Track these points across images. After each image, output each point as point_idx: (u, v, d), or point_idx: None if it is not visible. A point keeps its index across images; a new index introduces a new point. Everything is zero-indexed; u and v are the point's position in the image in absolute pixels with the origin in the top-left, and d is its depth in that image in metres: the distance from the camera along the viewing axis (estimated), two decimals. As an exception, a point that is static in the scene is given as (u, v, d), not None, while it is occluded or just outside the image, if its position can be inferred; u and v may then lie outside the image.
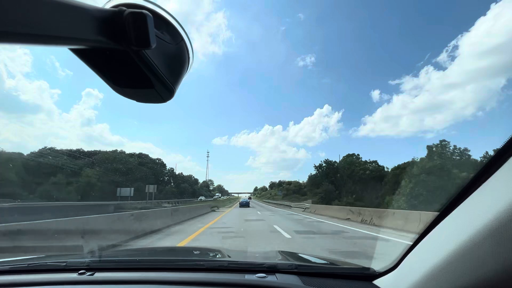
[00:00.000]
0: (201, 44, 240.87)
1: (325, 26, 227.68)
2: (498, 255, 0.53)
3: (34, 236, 4.91)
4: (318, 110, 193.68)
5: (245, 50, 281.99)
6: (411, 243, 0.88)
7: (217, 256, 1.77)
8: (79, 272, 1.23)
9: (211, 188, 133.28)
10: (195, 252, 2.06)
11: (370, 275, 1.15)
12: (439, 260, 0.67)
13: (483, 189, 0.61)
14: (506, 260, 0.52)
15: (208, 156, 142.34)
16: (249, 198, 79.42)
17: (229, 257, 1.69)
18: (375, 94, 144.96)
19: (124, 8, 0.34)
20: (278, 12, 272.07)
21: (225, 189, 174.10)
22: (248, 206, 34.36)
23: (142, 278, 1.21)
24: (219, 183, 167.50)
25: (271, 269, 1.25)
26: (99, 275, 1.22)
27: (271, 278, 1.17)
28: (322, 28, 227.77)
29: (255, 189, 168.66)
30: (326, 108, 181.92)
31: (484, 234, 0.54)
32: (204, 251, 2.14)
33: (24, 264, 1.34)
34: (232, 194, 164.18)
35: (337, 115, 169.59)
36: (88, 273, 1.22)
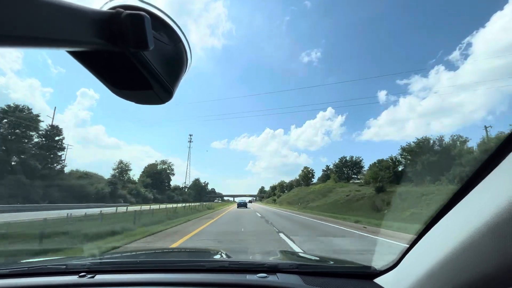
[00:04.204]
0: (199, 37, 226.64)
1: (333, 17, 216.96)
2: (498, 252, 0.53)
3: None
4: (321, 113, 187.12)
5: (246, 43, 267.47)
6: (411, 242, 0.88)
7: (218, 256, 1.77)
8: (80, 274, 1.22)
9: (186, 184, 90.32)
10: (196, 253, 2.06)
11: (371, 274, 1.16)
12: (439, 257, 0.67)
13: (482, 187, 0.61)
14: (505, 256, 0.52)
15: (190, 141, 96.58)
16: (250, 201, 74.51)
17: (230, 257, 1.69)
18: (382, 94, 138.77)
19: (122, 10, 0.35)
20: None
21: (218, 191, 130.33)
22: (246, 207, 33.25)
23: (143, 279, 1.20)
24: (204, 180, 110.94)
25: (272, 269, 1.25)
26: (99, 277, 1.21)
27: (272, 278, 1.16)
28: (329, 19, 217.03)
29: (261, 190, 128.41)
30: (329, 111, 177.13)
31: (483, 231, 0.55)
32: (205, 251, 2.14)
33: (24, 267, 1.33)
34: (227, 198, 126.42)
35: (340, 119, 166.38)
36: (89, 276, 1.21)
